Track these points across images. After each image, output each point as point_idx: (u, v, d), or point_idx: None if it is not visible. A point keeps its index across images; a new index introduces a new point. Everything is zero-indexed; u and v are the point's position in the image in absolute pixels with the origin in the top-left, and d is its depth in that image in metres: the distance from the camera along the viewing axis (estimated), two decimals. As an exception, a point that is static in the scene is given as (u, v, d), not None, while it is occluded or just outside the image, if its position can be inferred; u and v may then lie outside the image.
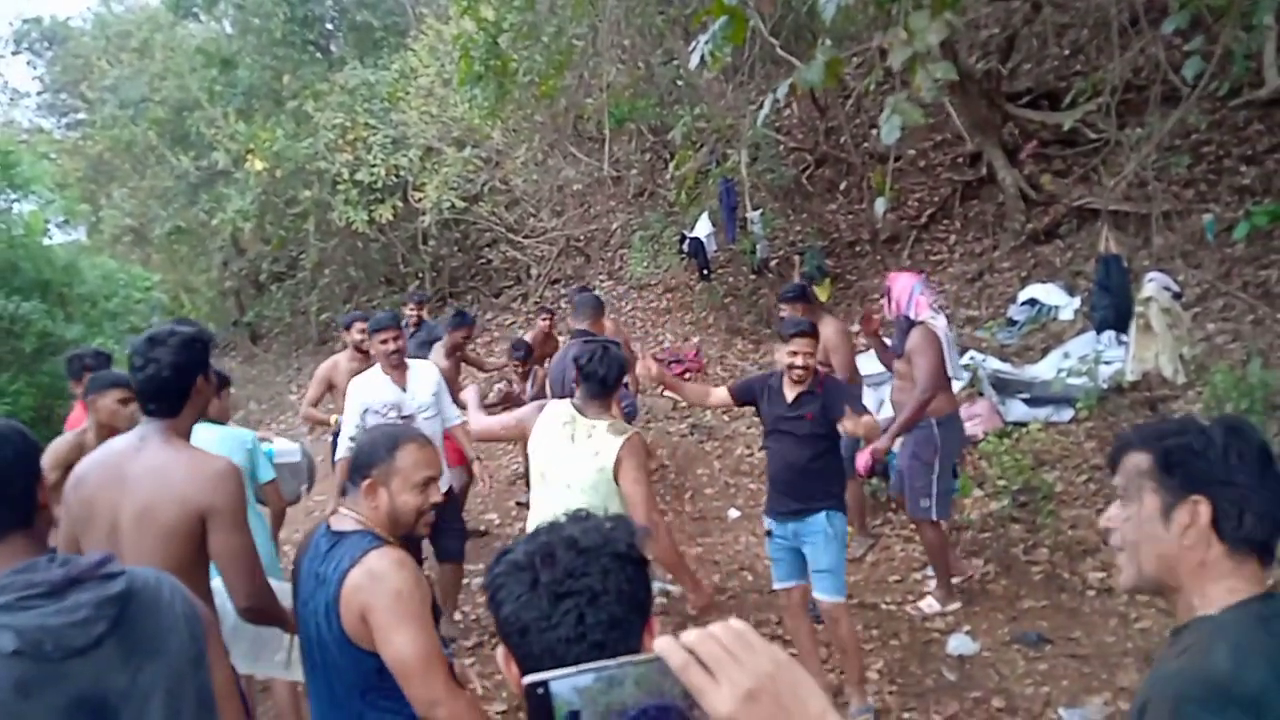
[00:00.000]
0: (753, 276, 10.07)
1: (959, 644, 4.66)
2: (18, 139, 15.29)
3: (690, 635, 0.81)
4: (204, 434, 3.83)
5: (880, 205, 2.97)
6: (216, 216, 12.54)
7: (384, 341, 4.85)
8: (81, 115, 18.07)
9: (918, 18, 2.79)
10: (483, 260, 14.36)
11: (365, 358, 5.65)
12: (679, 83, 9.68)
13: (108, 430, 4.18)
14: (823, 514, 4.03)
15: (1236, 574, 1.38)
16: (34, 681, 1.47)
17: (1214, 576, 1.39)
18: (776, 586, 4.31)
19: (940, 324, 4.91)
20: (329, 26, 15.14)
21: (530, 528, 3.75)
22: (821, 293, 9.32)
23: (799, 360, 3.96)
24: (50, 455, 3.92)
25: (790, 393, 4.05)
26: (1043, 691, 4.22)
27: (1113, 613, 4.75)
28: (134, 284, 12.76)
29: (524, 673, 1.12)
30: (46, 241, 11.32)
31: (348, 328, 5.87)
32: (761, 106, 3.40)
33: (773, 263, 9.96)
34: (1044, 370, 6.79)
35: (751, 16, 3.50)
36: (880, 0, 2.81)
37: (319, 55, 14.43)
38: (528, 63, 7.63)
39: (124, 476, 2.46)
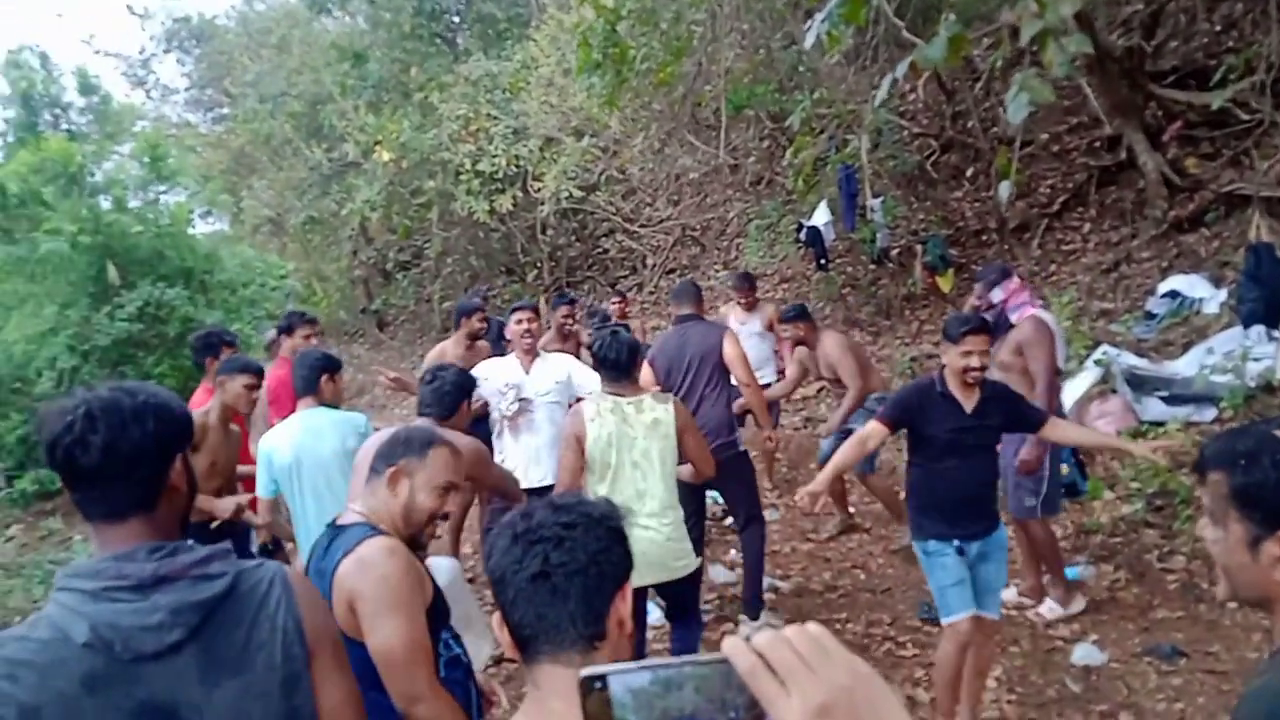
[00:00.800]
0: (872, 266, 9.81)
1: (1085, 654, 4.42)
2: (167, 133, 16.17)
3: (761, 638, 0.73)
4: (320, 417, 3.95)
5: (1005, 189, 2.79)
6: (346, 206, 12.99)
7: (519, 322, 4.95)
8: (225, 110, 18.97)
9: (1049, -11, 2.62)
10: (599, 250, 14.46)
11: (473, 345, 5.78)
12: (800, 68, 9.49)
13: (230, 411, 4.35)
14: (1003, 526, 3.79)
15: None
16: (102, 678, 1.42)
17: None
18: (958, 617, 3.63)
19: (1048, 315, 4.77)
20: (455, 19, 15.46)
21: None
22: (944, 283, 9.01)
23: (975, 361, 3.52)
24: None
25: (968, 400, 3.60)
26: (1176, 708, 3.96)
27: (1256, 626, 4.42)
28: (269, 272, 13.34)
29: (510, 628, 1.30)
30: (190, 231, 11.91)
31: (468, 315, 5.95)
32: (881, 90, 3.27)
33: (894, 252, 9.68)
34: (1185, 367, 6.38)
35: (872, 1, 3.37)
36: (1009, -29, 2.64)
37: (445, 48, 14.76)
38: (646, 50, 7.59)
39: None
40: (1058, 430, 3.86)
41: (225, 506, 4.15)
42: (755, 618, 4.90)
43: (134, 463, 1.48)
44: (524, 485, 4.75)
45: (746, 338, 6.16)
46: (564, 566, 1.27)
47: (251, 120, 15.40)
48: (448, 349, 5.85)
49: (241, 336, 10.43)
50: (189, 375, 10.43)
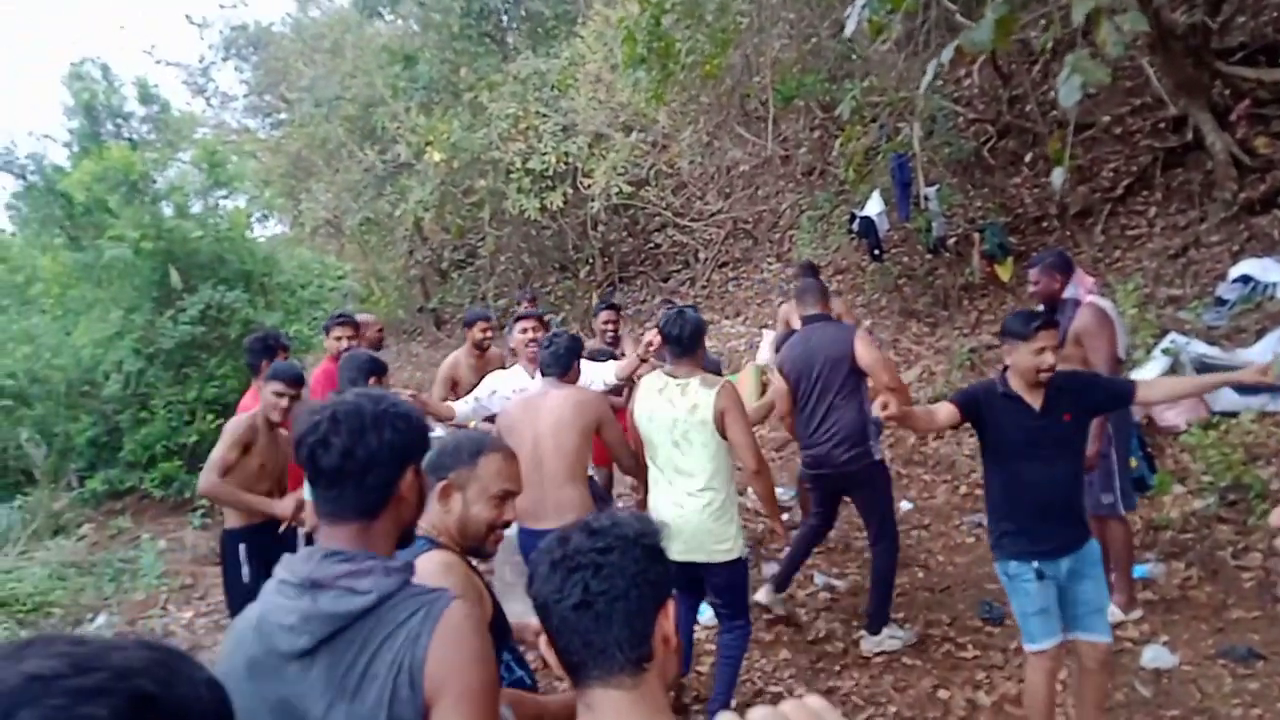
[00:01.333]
0: (928, 256, 9.59)
1: (1155, 656, 4.27)
2: (226, 140, 16.47)
3: (758, 713, 0.68)
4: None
5: (1058, 176, 2.66)
6: (400, 207, 13.12)
7: (523, 331, 4.97)
8: (283, 115, 19.27)
9: (1102, -35, 2.50)
10: (651, 245, 14.40)
11: (483, 355, 5.79)
12: (850, 56, 9.32)
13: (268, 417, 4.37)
14: (1093, 538, 3.49)
15: None
16: (258, 666, 1.50)
17: None
18: (1040, 646, 3.40)
19: (1108, 303, 4.59)
20: (503, 18, 15.50)
21: (653, 495, 3.92)
22: (1003, 272, 8.79)
23: (1048, 358, 3.29)
24: (229, 438, 4.16)
25: (1035, 398, 3.36)
26: (1254, 714, 3.80)
27: (1339, 628, 4.23)
28: (327, 273, 13.49)
29: (557, 652, 1.32)
30: (249, 235, 12.10)
31: (470, 325, 5.98)
32: (925, 76, 3.16)
33: (950, 241, 9.46)
34: (1258, 354, 6.11)
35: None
36: (1059, -52, 2.53)
37: (494, 47, 14.80)
38: (691, 43, 7.51)
39: (539, 407, 3.89)
40: (1154, 390, 3.58)
41: (285, 507, 4.20)
42: (876, 633, 4.73)
43: (367, 468, 1.56)
44: None
45: None
46: (605, 594, 1.29)
47: (307, 124, 15.62)
48: (460, 357, 5.91)
49: (301, 337, 10.58)
50: (248, 377, 10.63)
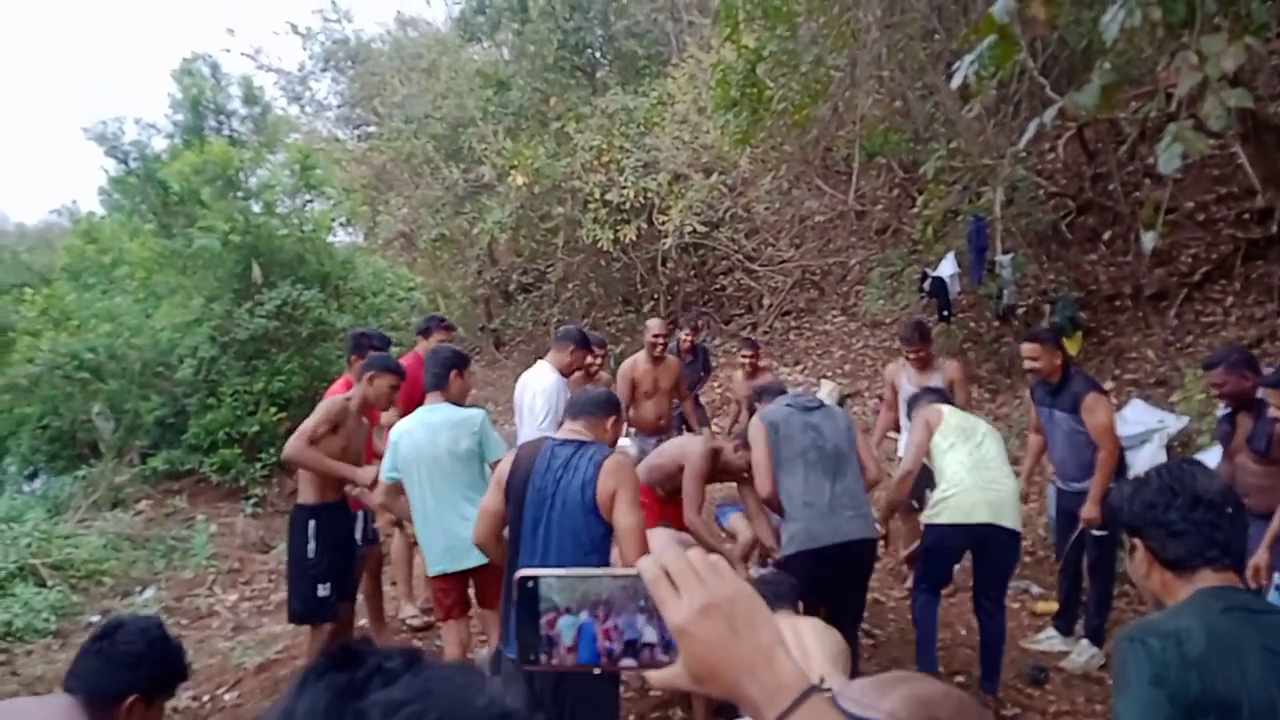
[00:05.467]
0: (996, 323, 9.59)
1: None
2: (316, 146, 17.01)
3: (669, 555, 0.86)
4: (439, 414, 4.11)
5: (1150, 240, 2.71)
6: (477, 226, 13.42)
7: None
8: (372, 128, 19.84)
9: (1212, 41, 2.58)
10: (717, 287, 14.52)
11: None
12: (939, 124, 9.42)
13: (368, 405, 4.57)
14: None
15: None
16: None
17: None
18: None
19: None
20: (596, 54, 15.88)
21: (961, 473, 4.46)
22: (1071, 346, 8.74)
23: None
24: (322, 413, 4.34)
25: None
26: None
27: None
28: (399, 284, 13.82)
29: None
30: (329, 239, 12.47)
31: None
32: (1024, 135, 3.25)
33: (1020, 310, 9.44)
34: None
35: (1022, 49, 3.35)
36: (1171, 21, 2.62)
37: (585, 80, 15.16)
38: (783, 91, 7.67)
39: None
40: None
41: (366, 474, 4.35)
42: None
43: None
44: None
45: None
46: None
47: (395, 139, 16.09)
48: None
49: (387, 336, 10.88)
50: (315, 374, 10.91)
